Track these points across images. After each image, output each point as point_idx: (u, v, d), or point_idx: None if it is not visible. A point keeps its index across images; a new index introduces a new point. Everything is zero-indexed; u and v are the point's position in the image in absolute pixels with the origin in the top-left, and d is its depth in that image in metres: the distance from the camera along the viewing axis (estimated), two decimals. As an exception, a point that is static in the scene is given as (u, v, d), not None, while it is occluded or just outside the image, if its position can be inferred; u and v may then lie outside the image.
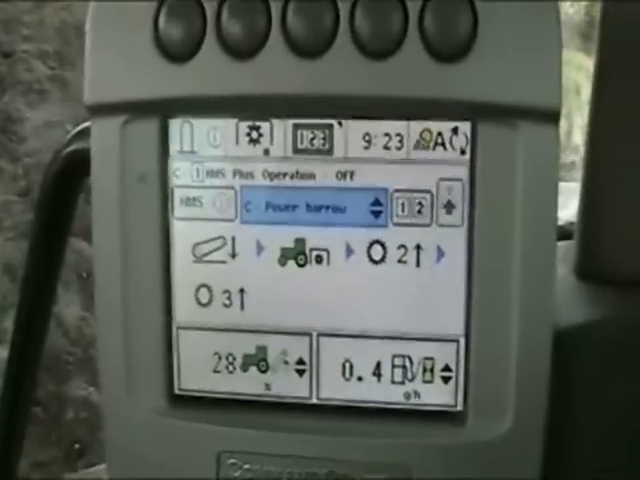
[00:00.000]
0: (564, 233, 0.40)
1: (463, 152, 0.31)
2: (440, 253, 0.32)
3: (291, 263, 0.33)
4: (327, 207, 0.32)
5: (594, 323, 0.35)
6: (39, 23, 2.08)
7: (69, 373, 1.67)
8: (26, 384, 0.51)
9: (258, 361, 0.34)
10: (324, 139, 0.32)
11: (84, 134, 0.39)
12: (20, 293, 0.50)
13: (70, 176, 0.46)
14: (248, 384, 0.34)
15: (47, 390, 1.62)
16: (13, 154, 1.96)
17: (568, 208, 0.41)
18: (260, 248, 0.33)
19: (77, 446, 1.47)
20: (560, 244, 0.38)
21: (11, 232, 1.84)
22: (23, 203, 1.84)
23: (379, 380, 0.33)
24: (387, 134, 0.32)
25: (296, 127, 0.32)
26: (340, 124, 0.32)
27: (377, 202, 0.32)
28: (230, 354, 0.34)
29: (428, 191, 0.32)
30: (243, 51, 0.31)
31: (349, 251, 0.32)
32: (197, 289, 0.34)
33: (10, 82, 2.03)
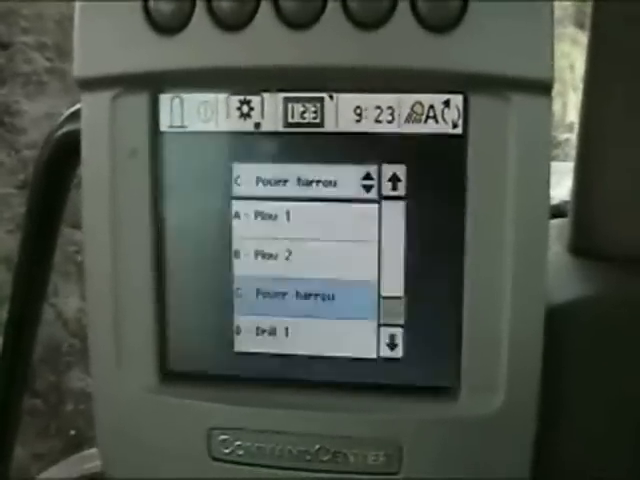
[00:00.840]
0: (559, 211, 0.40)
1: (455, 125, 0.31)
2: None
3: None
4: (318, 181, 0.32)
5: (587, 299, 0.35)
6: (37, 15, 2.07)
7: (69, 364, 1.67)
8: (19, 374, 0.51)
9: None
10: (315, 112, 0.32)
11: (76, 116, 0.39)
12: (13, 279, 0.50)
13: (63, 158, 0.46)
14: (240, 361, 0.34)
15: (47, 381, 1.63)
16: (12, 146, 1.96)
17: (561, 187, 0.41)
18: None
19: (73, 432, 1.48)
20: (555, 222, 0.38)
21: (10, 224, 1.84)
22: (22, 196, 1.84)
23: None
24: (378, 107, 0.31)
25: (287, 101, 0.32)
26: (331, 97, 0.32)
27: (368, 176, 0.32)
28: (222, 330, 0.34)
29: (420, 164, 0.32)
30: (233, 23, 0.31)
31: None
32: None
33: (9, 74, 2.03)
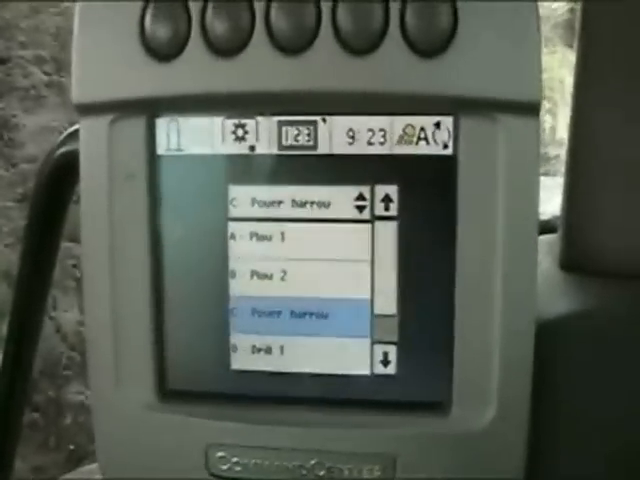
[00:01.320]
0: (549, 227, 0.41)
1: (446, 146, 0.32)
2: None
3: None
4: (312, 203, 0.33)
5: (578, 314, 0.35)
6: (34, 28, 2.08)
7: (67, 378, 1.68)
8: (19, 388, 0.52)
9: None
10: (309, 135, 0.33)
11: (75, 136, 0.40)
12: (14, 293, 0.51)
13: (62, 177, 0.46)
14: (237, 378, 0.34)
15: (46, 395, 1.63)
16: (10, 160, 1.96)
17: (552, 203, 0.42)
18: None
19: (72, 447, 1.48)
20: (545, 238, 0.39)
21: (10, 238, 1.84)
22: (21, 209, 1.84)
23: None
24: (371, 130, 0.32)
25: (281, 124, 0.33)
26: (324, 120, 0.32)
27: (361, 197, 0.33)
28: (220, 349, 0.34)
29: (411, 185, 0.32)
30: (228, 49, 0.32)
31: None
32: None
33: (7, 88, 2.04)
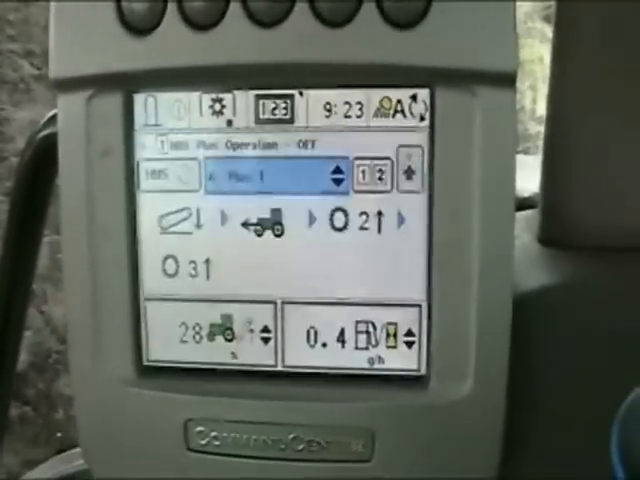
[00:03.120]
0: (529, 204, 0.41)
1: (422, 119, 0.32)
2: (401, 219, 0.33)
3: (254, 232, 0.33)
4: (289, 176, 0.33)
5: (555, 287, 0.35)
6: (24, 21, 2.07)
7: (58, 372, 1.67)
8: (3, 382, 0.51)
9: (224, 330, 0.34)
10: (286, 109, 0.33)
11: (56, 119, 0.40)
12: None
13: (43, 160, 0.46)
14: (215, 353, 0.34)
15: (37, 389, 1.62)
16: (-1, 154, 1.96)
17: (533, 180, 0.42)
18: (224, 218, 0.33)
19: (59, 434, 1.48)
20: (525, 213, 0.39)
21: (-2, 231, 1.83)
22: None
23: (343, 346, 0.34)
24: (347, 102, 0.32)
25: (258, 98, 0.33)
26: (301, 94, 0.32)
27: (338, 170, 0.33)
28: (197, 324, 0.34)
29: (388, 158, 0.32)
30: (204, 23, 0.32)
31: (311, 219, 0.33)
32: (164, 260, 0.34)
33: (-5, 82, 2.03)
